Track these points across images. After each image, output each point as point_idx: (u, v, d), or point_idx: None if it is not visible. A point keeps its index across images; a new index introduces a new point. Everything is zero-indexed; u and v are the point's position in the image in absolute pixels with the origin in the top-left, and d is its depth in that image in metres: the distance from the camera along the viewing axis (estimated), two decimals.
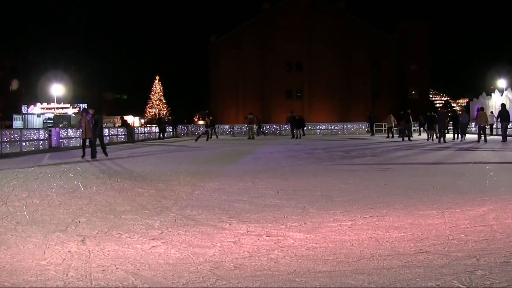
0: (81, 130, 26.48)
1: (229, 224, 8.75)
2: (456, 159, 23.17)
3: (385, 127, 53.85)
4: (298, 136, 51.51)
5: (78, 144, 37.68)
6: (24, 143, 30.50)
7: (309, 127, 66.21)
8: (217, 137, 55.32)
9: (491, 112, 49.36)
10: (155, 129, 59.45)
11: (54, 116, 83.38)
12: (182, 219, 9.22)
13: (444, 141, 37.24)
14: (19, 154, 28.10)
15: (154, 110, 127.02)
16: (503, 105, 38.02)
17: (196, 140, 45.12)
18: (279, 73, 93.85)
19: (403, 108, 58.11)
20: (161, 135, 55.91)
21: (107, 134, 45.17)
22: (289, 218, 9.21)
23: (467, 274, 5.71)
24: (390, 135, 49.78)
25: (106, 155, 25.80)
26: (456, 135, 41.29)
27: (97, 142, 25.89)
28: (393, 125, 50.01)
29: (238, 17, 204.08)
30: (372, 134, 57.76)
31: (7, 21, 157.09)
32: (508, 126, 41.53)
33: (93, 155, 24.94)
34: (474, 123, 42.00)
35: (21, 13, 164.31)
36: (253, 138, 50.74)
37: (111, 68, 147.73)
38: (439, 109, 69.98)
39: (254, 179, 15.45)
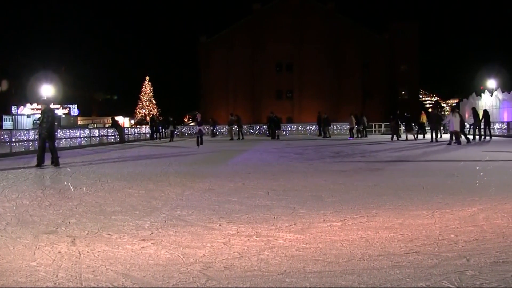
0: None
1: (219, 225, 8.74)
2: (445, 158, 23.23)
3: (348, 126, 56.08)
4: (277, 137, 51.68)
5: (68, 145, 37.70)
6: (14, 144, 30.39)
7: (299, 128, 66.37)
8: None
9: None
10: (145, 129, 59.29)
11: None
12: (172, 220, 9.22)
13: (437, 141, 38.21)
14: (8, 155, 27.98)
15: (144, 111, 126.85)
16: (473, 109, 41.62)
17: (198, 145, 36.36)
18: (269, 74, 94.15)
19: (393, 109, 58.50)
20: (156, 135, 55.14)
21: (97, 135, 45.06)
22: (279, 218, 9.21)
23: (457, 275, 5.72)
24: (352, 135, 53.05)
25: (57, 164, 20.56)
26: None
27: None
28: (354, 125, 53.20)
29: (228, 17, 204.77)
30: (319, 135, 57.63)
31: None
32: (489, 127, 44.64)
33: (51, 161, 20.75)
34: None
35: (11, 14, 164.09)
36: (238, 138, 50.84)
37: (101, 69, 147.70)
38: (429, 110, 70.74)
39: (244, 179, 15.46)
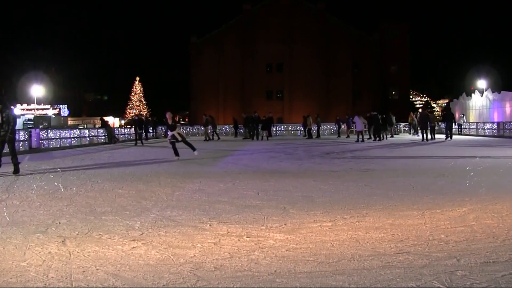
0: None
1: (210, 225, 8.74)
2: (435, 158, 23.26)
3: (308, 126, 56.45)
4: (262, 137, 51.59)
5: (58, 146, 37.61)
6: None
7: (290, 128, 66.45)
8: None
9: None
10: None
11: (34, 117, 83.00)
12: (163, 220, 9.21)
13: (427, 140, 40.23)
14: None
15: (134, 111, 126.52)
16: (447, 108, 46.39)
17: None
18: (259, 74, 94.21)
19: (384, 109, 58.83)
20: (145, 135, 54.13)
21: (87, 135, 44.89)
22: (270, 219, 9.22)
23: (448, 275, 5.74)
24: (310, 135, 54.14)
25: (17, 170, 18.05)
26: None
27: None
28: (311, 126, 54.48)
29: (218, 17, 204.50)
30: (251, 138, 53.19)
31: None
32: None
33: None
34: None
35: (0, 15, 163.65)
36: (209, 139, 50.61)
37: (92, 69, 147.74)
38: (419, 110, 71.40)
39: (235, 180, 15.47)
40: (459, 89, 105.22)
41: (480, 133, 51.87)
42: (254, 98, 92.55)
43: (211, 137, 52.11)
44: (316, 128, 56.02)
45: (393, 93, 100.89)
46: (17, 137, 31.38)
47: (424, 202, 10.78)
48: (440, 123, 52.33)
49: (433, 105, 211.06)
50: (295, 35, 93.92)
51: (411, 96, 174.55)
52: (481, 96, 58.75)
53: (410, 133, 57.53)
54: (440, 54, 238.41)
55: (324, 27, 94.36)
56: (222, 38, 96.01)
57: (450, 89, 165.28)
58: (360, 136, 42.80)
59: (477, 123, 54.87)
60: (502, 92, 54.49)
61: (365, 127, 44.54)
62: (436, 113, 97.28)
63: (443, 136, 45.79)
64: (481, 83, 73.71)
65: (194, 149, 25.40)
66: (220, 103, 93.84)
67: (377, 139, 43.46)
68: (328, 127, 65.90)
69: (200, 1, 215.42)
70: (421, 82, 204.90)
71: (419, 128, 45.18)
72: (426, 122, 41.59)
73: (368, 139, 43.87)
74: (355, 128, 44.83)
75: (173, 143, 25.23)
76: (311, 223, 8.79)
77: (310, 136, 53.94)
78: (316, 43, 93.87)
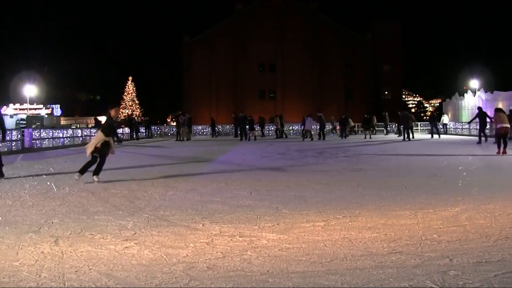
0: None
1: (202, 225, 8.74)
2: (426, 157, 23.30)
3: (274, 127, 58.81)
4: (249, 138, 50.21)
5: (51, 145, 37.50)
6: None
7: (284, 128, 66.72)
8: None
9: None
10: (127, 129, 58.90)
11: (27, 117, 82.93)
12: (155, 220, 9.21)
13: (409, 139, 41.80)
14: None
15: (127, 111, 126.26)
16: (433, 112, 49.75)
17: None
18: (252, 74, 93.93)
19: (375, 109, 59.17)
20: (134, 135, 54.50)
21: (80, 135, 44.74)
22: (262, 218, 9.22)
23: (440, 275, 5.74)
24: (278, 135, 55.17)
25: (2, 174, 16.40)
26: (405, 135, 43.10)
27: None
28: (279, 126, 55.17)
29: (211, 17, 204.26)
30: (240, 139, 50.54)
31: None
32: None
33: None
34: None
35: None
36: (183, 139, 49.89)
37: (84, 69, 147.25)
38: (402, 111, 72.04)
39: (227, 179, 15.46)
40: (451, 89, 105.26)
41: (472, 133, 51.94)
42: (247, 98, 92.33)
43: (185, 137, 51.33)
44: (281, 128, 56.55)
45: (386, 93, 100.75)
46: (9, 137, 31.28)
47: (417, 202, 10.80)
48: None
49: (425, 105, 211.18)
50: (287, 35, 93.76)
51: (403, 96, 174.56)
52: (474, 96, 58.77)
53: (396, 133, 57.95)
54: (433, 54, 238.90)
55: (316, 27, 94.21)
56: (214, 38, 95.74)
57: (443, 89, 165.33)
58: (308, 135, 47.38)
59: (469, 122, 54.97)
60: (495, 92, 54.49)
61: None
62: (428, 113, 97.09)
63: (436, 136, 46.39)
64: (474, 83, 73.67)
65: (82, 172, 15.52)
66: (213, 103, 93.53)
67: (320, 138, 47.00)
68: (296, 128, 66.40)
69: (192, 1, 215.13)
70: (413, 82, 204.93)
71: (401, 128, 46.04)
72: (407, 122, 42.83)
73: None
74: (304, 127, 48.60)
75: (94, 158, 15.68)
76: (304, 223, 8.79)
77: (280, 135, 54.85)
78: (309, 43, 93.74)
